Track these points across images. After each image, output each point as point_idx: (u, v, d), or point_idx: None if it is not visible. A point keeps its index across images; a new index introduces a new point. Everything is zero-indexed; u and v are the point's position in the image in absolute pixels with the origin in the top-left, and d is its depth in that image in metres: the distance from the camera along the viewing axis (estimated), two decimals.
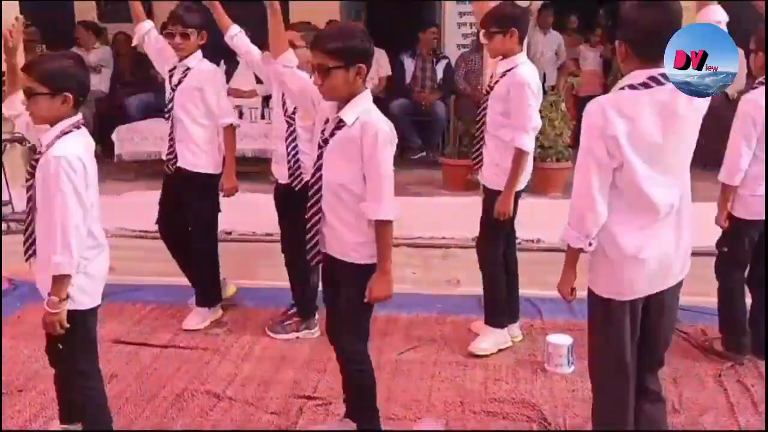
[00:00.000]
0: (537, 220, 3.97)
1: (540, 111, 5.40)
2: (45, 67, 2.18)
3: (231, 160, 3.65)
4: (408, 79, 7.19)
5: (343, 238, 2.35)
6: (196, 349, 3.45)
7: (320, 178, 2.34)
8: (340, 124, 2.28)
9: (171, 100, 3.58)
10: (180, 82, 3.53)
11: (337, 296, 2.46)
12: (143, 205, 3.98)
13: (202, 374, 3.20)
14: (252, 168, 6.32)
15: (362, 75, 2.24)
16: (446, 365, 3.28)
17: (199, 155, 3.58)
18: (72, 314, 2.20)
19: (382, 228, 2.29)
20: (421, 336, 3.57)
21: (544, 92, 6.47)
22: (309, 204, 2.38)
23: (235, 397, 2.99)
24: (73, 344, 2.28)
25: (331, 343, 2.57)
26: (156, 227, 3.80)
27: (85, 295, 2.25)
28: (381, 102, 6.91)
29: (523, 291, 3.77)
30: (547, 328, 3.54)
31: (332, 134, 2.30)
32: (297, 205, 2.85)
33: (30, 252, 2.30)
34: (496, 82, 3.25)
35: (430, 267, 3.67)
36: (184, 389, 3.05)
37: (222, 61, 7.00)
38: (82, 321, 2.27)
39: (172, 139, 3.60)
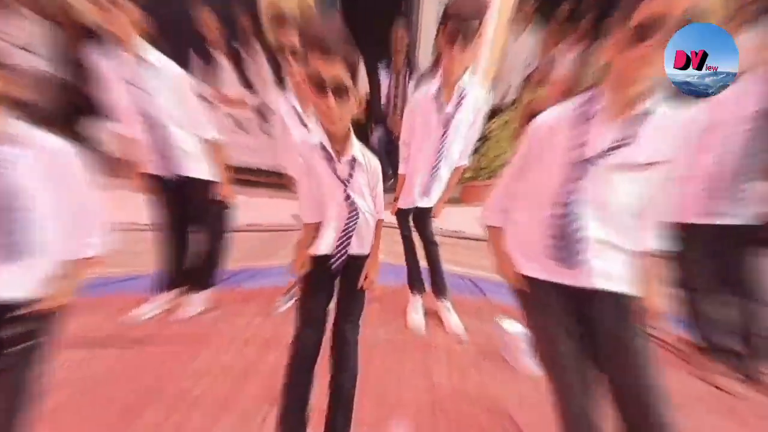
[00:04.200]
0: None
1: (489, 133, 4.85)
2: None
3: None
4: (384, 98, 5.45)
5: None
6: (176, 342, 3.38)
7: (356, 207, 2.34)
8: (353, 163, 2.26)
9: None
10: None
11: (348, 292, 2.46)
12: None
13: (175, 368, 3.14)
14: (267, 179, 6.09)
15: None
16: (413, 350, 3.34)
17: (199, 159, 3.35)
18: None
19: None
20: (394, 308, 3.72)
21: (500, 109, 5.56)
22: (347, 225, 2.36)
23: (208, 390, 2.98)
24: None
25: (335, 355, 2.45)
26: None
27: None
28: (363, 129, 5.62)
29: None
30: (496, 310, 3.69)
31: (351, 174, 2.27)
32: None
33: None
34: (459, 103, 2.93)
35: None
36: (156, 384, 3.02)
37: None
38: None
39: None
